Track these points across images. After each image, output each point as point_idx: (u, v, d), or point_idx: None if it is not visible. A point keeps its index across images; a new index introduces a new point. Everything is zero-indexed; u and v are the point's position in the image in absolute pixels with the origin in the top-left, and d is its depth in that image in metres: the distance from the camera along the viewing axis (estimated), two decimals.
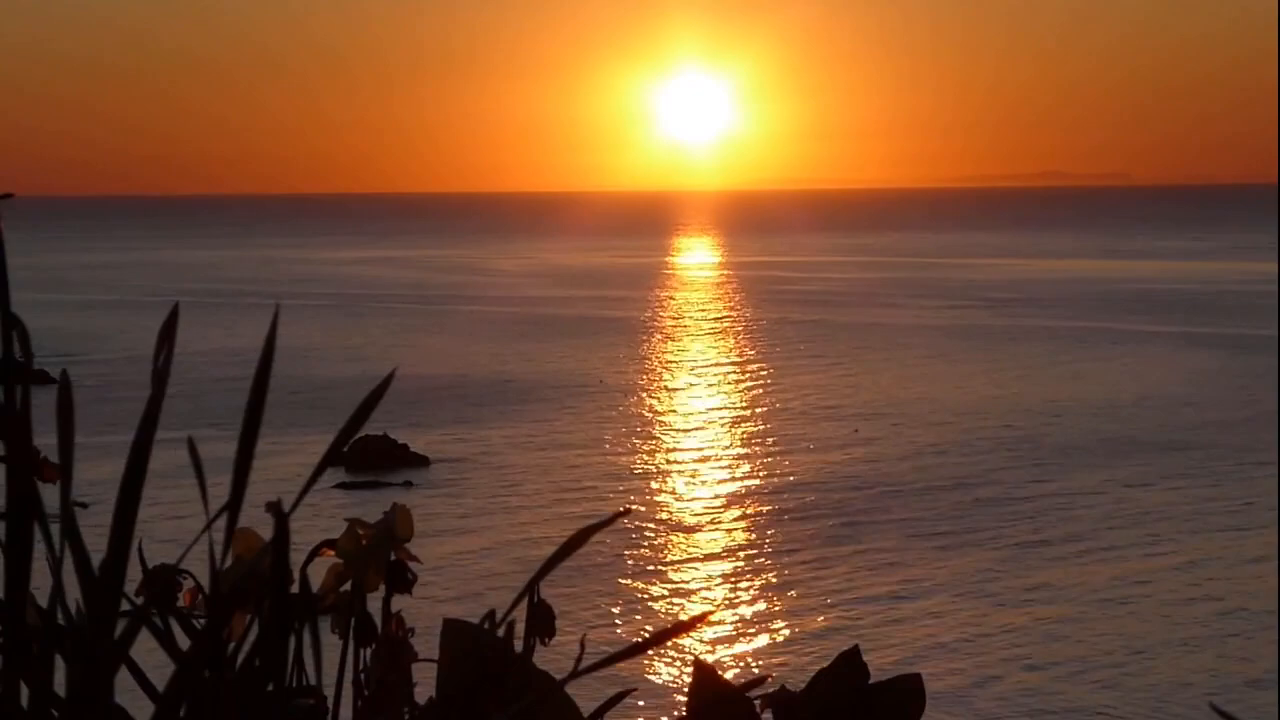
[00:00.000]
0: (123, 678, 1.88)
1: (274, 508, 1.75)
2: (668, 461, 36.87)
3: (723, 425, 42.54)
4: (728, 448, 38.96)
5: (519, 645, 2.27)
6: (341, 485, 33.14)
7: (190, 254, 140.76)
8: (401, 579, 2.32)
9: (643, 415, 43.52)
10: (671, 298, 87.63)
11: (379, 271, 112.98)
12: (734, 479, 35.05)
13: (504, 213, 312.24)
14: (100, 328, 67.55)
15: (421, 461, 35.91)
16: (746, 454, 38.08)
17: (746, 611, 24.82)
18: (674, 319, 74.32)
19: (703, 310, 80.00)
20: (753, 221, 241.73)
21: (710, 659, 18.09)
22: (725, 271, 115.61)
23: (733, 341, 64.54)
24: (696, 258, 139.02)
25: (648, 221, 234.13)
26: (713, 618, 23.77)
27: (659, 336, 65.53)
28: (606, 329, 68.13)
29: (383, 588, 2.32)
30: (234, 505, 1.80)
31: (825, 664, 2.52)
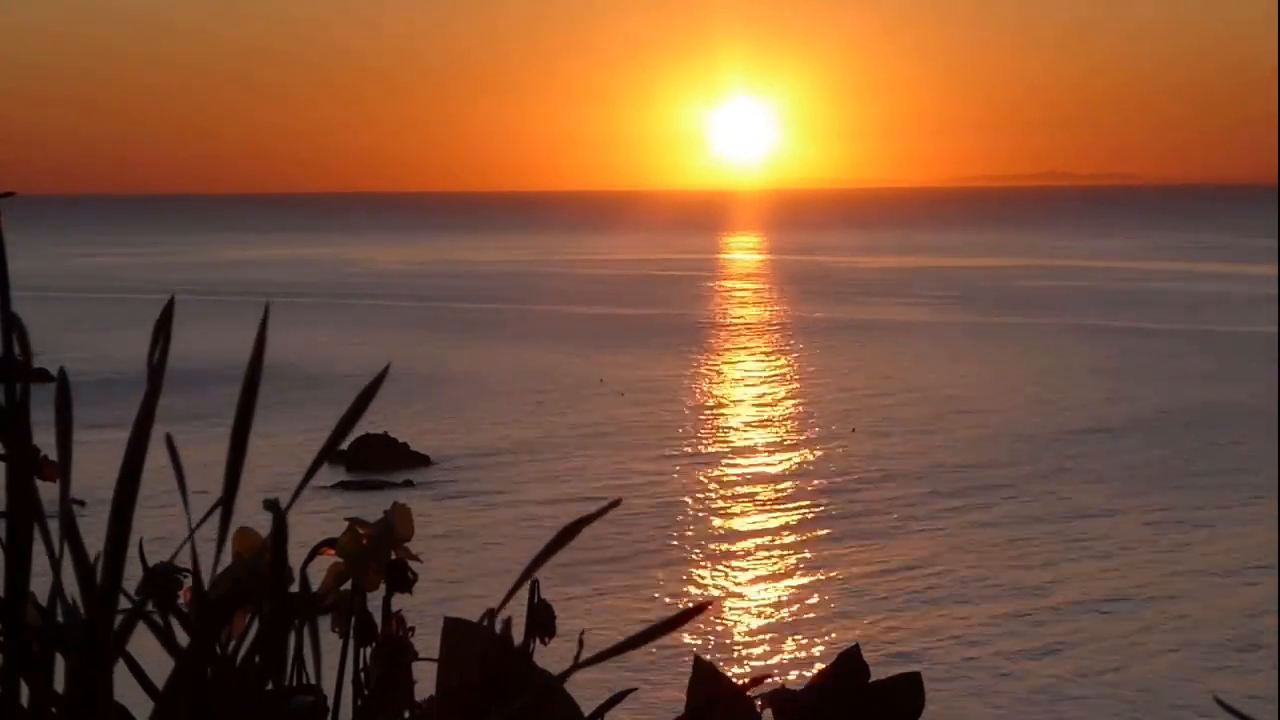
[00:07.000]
0: (123, 676, 1.88)
1: (272, 505, 1.75)
2: (667, 459, 36.85)
3: (723, 423, 42.54)
4: (728, 445, 38.95)
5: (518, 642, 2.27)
6: (341, 484, 33.12)
7: (220, 251, 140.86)
8: (402, 578, 2.32)
9: (642, 414, 43.51)
10: (676, 296, 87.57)
11: (400, 268, 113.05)
12: (734, 477, 35.04)
13: (556, 209, 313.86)
14: (101, 325, 67.54)
15: (422, 460, 35.86)
16: (747, 451, 38.07)
17: (746, 609, 24.82)
18: (676, 318, 74.28)
19: (707, 309, 79.99)
20: (787, 219, 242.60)
21: (710, 657, 18.07)
22: (735, 270, 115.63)
23: (735, 340, 64.54)
24: (720, 255, 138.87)
25: (689, 221, 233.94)
26: (712, 615, 23.75)
27: (660, 335, 65.49)
28: (607, 328, 68.13)
29: (383, 587, 2.32)
30: (227, 502, 1.79)
31: (826, 663, 2.52)
